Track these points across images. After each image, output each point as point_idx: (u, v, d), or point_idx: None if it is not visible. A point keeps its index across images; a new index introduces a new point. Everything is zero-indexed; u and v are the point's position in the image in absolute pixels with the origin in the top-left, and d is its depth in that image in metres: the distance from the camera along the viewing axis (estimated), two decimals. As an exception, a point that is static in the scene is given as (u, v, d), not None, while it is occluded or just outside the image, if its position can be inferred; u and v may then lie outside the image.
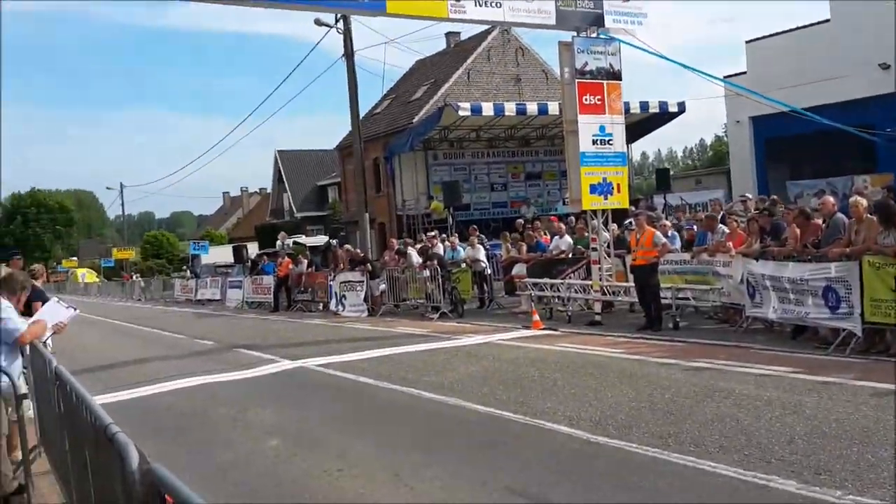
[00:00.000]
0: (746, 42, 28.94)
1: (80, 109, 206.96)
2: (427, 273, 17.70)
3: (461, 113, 26.75)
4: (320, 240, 35.45)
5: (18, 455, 6.19)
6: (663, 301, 12.48)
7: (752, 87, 21.19)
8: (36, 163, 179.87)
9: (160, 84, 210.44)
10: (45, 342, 7.16)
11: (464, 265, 18.32)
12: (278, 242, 33.46)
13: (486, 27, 31.85)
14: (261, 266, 27.25)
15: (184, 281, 37.33)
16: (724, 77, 25.83)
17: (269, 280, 25.21)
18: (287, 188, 58.34)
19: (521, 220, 21.77)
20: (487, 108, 27.25)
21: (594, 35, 14.79)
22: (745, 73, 27.80)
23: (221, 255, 42.92)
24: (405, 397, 8.64)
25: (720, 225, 13.12)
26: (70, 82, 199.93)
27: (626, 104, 18.25)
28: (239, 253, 33.88)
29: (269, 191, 67.96)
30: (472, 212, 31.47)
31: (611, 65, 14.77)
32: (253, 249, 37.29)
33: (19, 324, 6.18)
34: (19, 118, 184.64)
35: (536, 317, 13.89)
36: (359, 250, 23.09)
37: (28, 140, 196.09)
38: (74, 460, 4.56)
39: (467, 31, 38.44)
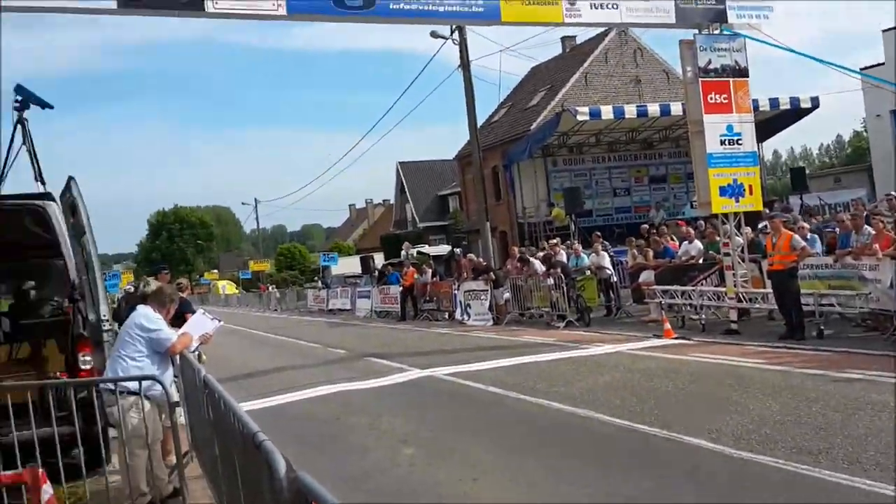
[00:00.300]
0: (883, 31, 27.11)
1: (216, 130, 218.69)
2: (551, 281, 17.55)
3: (580, 118, 26.34)
4: (443, 249, 35.90)
5: (172, 459, 6.57)
6: (805, 308, 11.82)
7: (892, 79, 19.82)
8: (178, 181, 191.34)
9: (289, 102, 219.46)
10: (197, 353, 7.60)
11: (588, 272, 18.05)
12: (403, 252, 34.12)
13: (602, 29, 31.35)
14: (387, 276, 27.84)
15: (316, 291, 38.60)
16: (861, 69, 24.31)
17: (395, 290, 25.72)
18: (409, 199, 59.47)
19: (646, 226, 21.22)
20: (607, 112, 26.70)
21: (717, 31, 14.26)
22: (882, 64, 26.03)
23: (350, 265, 44.12)
24: (535, 407, 8.59)
25: (865, 226, 12.31)
26: (206, 105, 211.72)
27: (755, 101, 17.45)
28: (366, 263, 34.78)
29: (392, 202, 69.44)
30: (595, 218, 30.92)
31: (736, 62, 14.17)
32: (379, 260, 38.18)
33: (170, 334, 6.55)
34: (162, 140, 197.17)
35: (667, 325, 13.48)
36: (481, 259, 23.20)
37: (170, 160, 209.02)
38: (224, 465, 4.79)
39: (583, 35, 38.01)
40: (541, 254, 20.25)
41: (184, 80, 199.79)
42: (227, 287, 69.89)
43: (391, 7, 13.25)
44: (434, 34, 24.54)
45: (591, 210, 31.07)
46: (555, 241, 21.49)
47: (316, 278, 50.07)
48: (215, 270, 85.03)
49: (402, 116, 71.40)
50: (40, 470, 5.80)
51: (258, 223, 71.34)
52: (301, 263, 72.11)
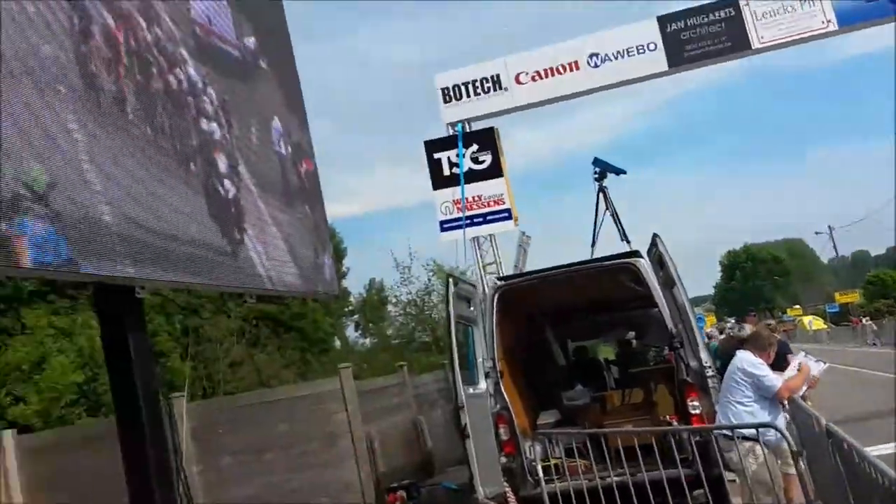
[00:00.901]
0: None
1: (768, 162, 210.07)
2: None
3: None
4: None
5: (796, 507, 6.31)
6: None
7: None
8: (739, 219, 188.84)
9: (840, 116, 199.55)
10: (803, 397, 7.26)
11: None
12: None
13: None
14: None
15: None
16: None
17: None
18: None
19: None
20: None
21: None
22: None
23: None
24: None
25: None
26: (759, 137, 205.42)
27: None
28: None
29: None
30: None
31: None
32: None
33: (774, 380, 6.37)
34: (714, 184, 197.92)
35: None
36: None
37: (727, 201, 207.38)
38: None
39: None
40: None
41: (709, 124, 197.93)
42: (813, 322, 66.29)
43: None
44: None
45: None
46: None
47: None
48: (797, 306, 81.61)
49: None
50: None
51: (836, 251, 66.56)
52: (896, 290, 64.54)
